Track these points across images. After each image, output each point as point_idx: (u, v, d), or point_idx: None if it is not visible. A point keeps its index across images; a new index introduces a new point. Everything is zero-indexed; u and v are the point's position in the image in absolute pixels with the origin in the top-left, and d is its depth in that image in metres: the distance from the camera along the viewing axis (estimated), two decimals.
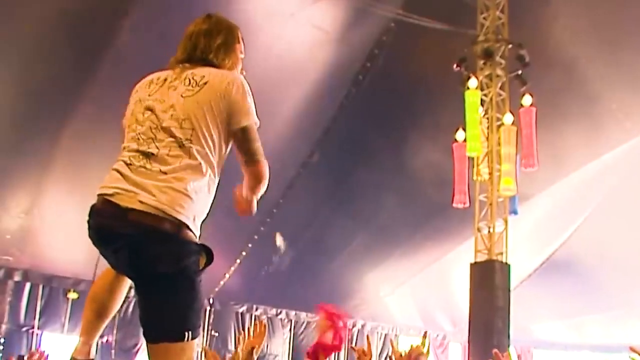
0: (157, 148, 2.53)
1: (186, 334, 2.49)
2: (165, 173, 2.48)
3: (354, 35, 9.02)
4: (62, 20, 7.61)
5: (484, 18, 9.16)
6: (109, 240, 2.52)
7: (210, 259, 2.60)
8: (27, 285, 10.35)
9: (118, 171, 2.54)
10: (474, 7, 9.18)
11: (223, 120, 2.61)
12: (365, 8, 8.57)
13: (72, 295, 10.40)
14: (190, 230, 2.52)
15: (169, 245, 2.46)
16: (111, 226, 2.48)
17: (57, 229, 9.65)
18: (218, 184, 2.68)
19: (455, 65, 8.85)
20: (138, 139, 2.58)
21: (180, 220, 2.46)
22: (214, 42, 2.76)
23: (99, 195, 2.55)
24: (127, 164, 2.54)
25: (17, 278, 10.24)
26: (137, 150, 2.55)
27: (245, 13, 8.12)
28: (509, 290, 8.77)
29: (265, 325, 3.45)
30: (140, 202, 2.44)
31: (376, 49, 9.13)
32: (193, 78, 2.64)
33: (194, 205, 2.52)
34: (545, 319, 13.71)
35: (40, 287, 10.43)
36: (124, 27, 7.57)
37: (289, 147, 9.74)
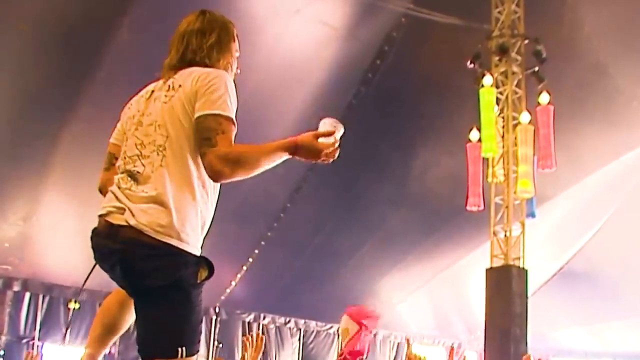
0: (143, 165, 2.56)
1: (180, 350, 2.47)
2: (146, 192, 2.51)
3: (363, 32, 8.90)
4: (59, 19, 7.53)
5: (499, 12, 9.02)
6: (105, 258, 2.58)
7: (211, 271, 2.56)
8: (27, 295, 10.27)
9: (112, 192, 2.61)
10: (488, 0, 9.04)
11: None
12: (375, 3, 8.45)
13: (73, 305, 10.34)
14: (184, 242, 2.49)
15: (160, 258, 2.47)
16: (106, 244, 2.55)
17: (57, 236, 9.58)
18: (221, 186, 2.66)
19: (469, 62, 8.71)
20: (126, 157, 2.63)
21: (163, 240, 2.45)
22: (206, 42, 2.73)
23: (98, 216, 2.62)
24: (118, 187, 2.60)
25: (16, 288, 10.17)
26: (125, 171, 2.60)
27: (248, 9, 8.04)
28: (527, 297, 8.66)
29: (262, 339, 3.40)
30: (128, 219, 2.49)
31: (386, 45, 8.99)
32: (172, 83, 2.64)
33: (182, 216, 2.50)
34: (564, 326, 13.61)
35: (40, 296, 10.35)
36: (123, 26, 7.49)
37: None
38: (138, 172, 2.56)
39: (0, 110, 8.24)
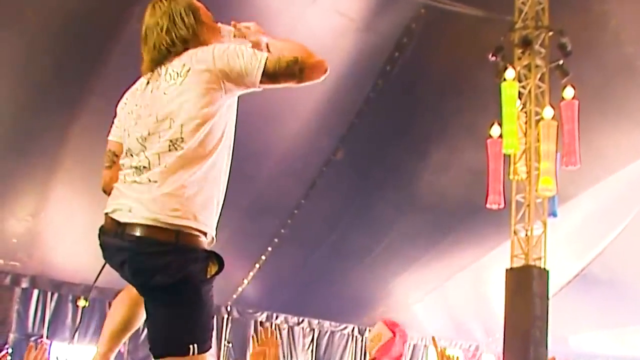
0: (147, 158, 2.57)
1: (191, 347, 2.47)
2: (155, 181, 2.52)
3: (381, 23, 8.81)
4: (69, 10, 7.51)
5: (523, 3, 8.87)
6: (113, 256, 2.62)
7: (221, 266, 2.56)
8: (35, 292, 10.30)
9: (117, 188, 2.64)
10: None
11: (218, 87, 2.57)
12: None
13: (82, 303, 10.35)
14: (195, 232, 2.52)
15: (168, 255, 2.48)
16: (113, 242, 2.58)
17: (65, 232, 9.58)
18: (228, 182, 2.69)
19: (490, 55, 8.59)
20: (130, 154, 2.64)
21: (177, 225, 2.48)
22: (162, 31, 2.69)
23: (104, 214, 2.66)
24: (122, 182, 2.63)
25: (24, 285, 10.19)
26: (130, 167, 2.62)
27: (262, 0, 8.01)
28: (548, 298, 8.57)
29: (273, 332, 3.40)
30: (135, 215, 2.51)
31: (405, 37, 8.89)
32: (173, 70, 2.61)
33: (193, 201, 2.52)
34: (586, 329, 13.53)
35: (49, 294, 10.38)
36: (133, 16, 7.46)
37: (311, 145, 9.62)
38: (144, 166, 2.57)
39: (9, 103, 8.23)
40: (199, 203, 2.53)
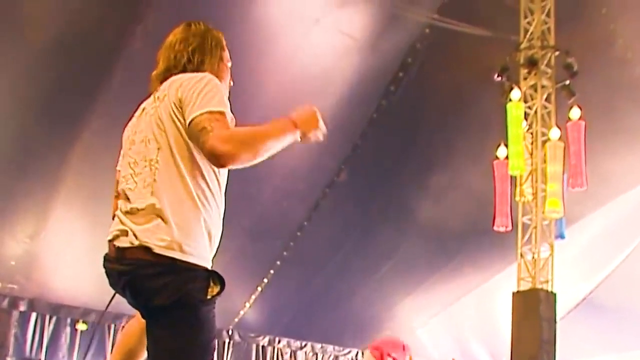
0: (135, 182, 2.62)
1: None
2: (143, 209, 2.56)
3: (385, 43, 8.85)
4: (70, 28, 7.55)
5: (528, 22, 8.93)
6: (117, 282, 2.64)
7: (222, 287, 2.58)
8: (33, 316, 10.21)
9: (117, 216, 2.69)
10: (517, 10, 8.96)
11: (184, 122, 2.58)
12: (397, 13, 8.44)
13: (81, 326, 10.29)
14: (187, 254, 2.51)
15: (166, 276, 2.50)
16: (115, 267, 2.63)
17: (65, 254, 9.52)
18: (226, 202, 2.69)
19: (496, 75, 8.62)
20: (121, 178, 2.73)
21: (166, 254, 2.49)
22: (188, 46, 2.78)
23: (107, 242, 2.70)
24: (120, 210, 2.67)
25: (22, 308, 10.10)
26: (124, 193, 2.67)
27: (264, 18, 8.03)
28: (555, 322, 8.53)
29: None
30: (131, 240, 2.55)
31: (409, 57, 8.94)
32: (159, 94, 2.70)
33: (183, 228, 2.53)
34: (594, 353, 13.40)
35: (47, 317, 10.30)
36: (135, 35, 7.52)
37: (314, 166, 9.61)
38: (130, 188, 2.63)
39: (9, 121, 8.23)
40: (190, 228, 2.55)
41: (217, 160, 2.46)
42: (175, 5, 7.45)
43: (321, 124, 2.70)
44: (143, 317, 2.67)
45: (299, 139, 2.63)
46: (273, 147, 2.53)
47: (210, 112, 2.48)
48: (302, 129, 2.63)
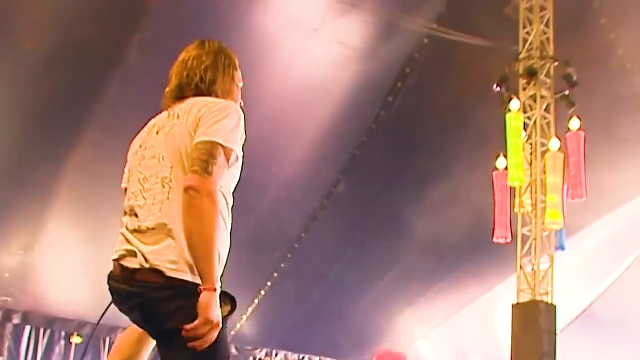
0: (145, 199, 2.62)
1: None
2: (153, 229, 2.56)
3: (384, 53, 8.88)
4: (67, 38, 7.55)
5: (527, 33, 8.93)
6: (124, 301, 2.63)
7: (233, 306, 2.63)
8: (27, 329, 10.18)
9: (122, 234, 2.67)
10: (516, 20, 8.97)
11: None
12: (396, 23, 8.46)
13: (76, 340, 10.26)
14: (198, 275, 2.48)
15: (179, 299, 2.48)
16: (124, 288, 2.60)
17: (59, 267, 9.49)
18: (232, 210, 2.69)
19: (495, 86, 8.63)
20: (130, 195, 2.71)
21: (177, 277, 2.48)
22: (202, 64, 2.78)
23: (112, 260, 2.68)
24: (126, 228, 2.65)
25: (16, 321, 10.06)
26: (131, 210, 2.65)
27: (262, 28, 8.04)
28: (556, 334, 8.51)
29: None
30: (141, 263, 2.53)
31: (408, 67, 8.97)
32: (175, 112, 2.70)
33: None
34: None
35: (42, 330, 10.26)
36: (133, 46, 7.52)
37: (312, 177, 9.62)
38: (139, 205, 2.61)
39: (4, 132, 8.22)
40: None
41: (187, 194, 2.45)
42: (173, 17, 7.47)
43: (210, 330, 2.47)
44: (152, 337, 2.69)
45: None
46: (209, 246, 2.46)
47: (219, 145, 2.52)
48: (205, 300, 2.45)
